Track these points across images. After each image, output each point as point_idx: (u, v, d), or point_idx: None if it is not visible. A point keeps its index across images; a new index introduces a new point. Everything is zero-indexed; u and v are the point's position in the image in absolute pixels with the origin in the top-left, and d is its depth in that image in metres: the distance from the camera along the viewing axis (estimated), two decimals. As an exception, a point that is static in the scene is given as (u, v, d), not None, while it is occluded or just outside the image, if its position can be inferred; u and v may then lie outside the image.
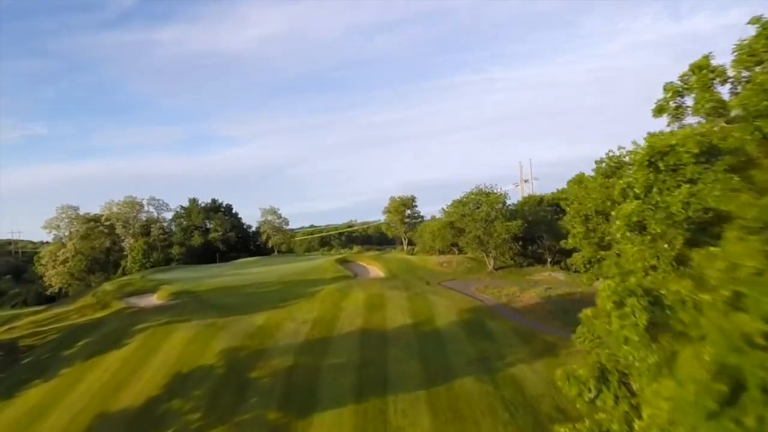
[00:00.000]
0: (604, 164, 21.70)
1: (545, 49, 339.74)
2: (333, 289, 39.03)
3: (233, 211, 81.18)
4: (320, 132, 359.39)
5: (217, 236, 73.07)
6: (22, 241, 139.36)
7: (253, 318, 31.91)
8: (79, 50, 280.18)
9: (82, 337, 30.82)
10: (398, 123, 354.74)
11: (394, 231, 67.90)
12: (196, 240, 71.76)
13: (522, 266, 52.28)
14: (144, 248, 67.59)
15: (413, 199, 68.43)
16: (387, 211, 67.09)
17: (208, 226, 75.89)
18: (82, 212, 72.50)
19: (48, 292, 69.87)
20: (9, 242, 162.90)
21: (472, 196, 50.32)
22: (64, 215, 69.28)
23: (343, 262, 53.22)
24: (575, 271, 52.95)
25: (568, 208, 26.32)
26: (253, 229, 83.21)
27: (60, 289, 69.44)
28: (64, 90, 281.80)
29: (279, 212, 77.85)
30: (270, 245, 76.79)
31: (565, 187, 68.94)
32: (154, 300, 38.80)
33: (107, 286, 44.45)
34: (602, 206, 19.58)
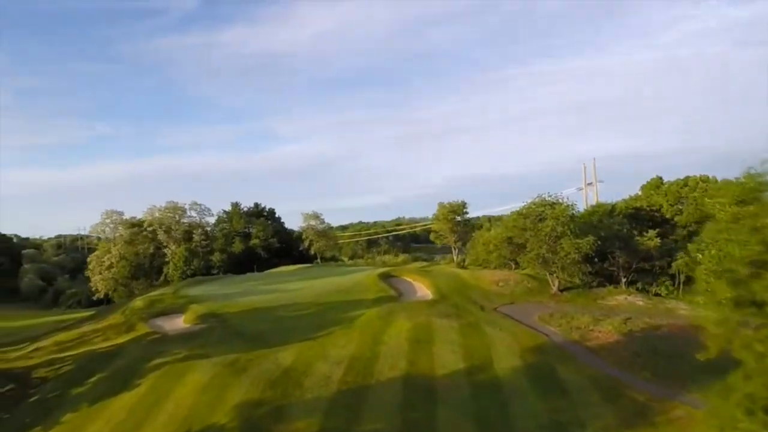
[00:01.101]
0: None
1: (600, 39, 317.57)
2: (374, 316, 34.11)
3: (276, 215, 78.74)
4: (371, 127, 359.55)
5: (258, 243, 70.61)
6: (89, 237, 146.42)
7: (280, 354, 27.55)
8: (145, 54, 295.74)
9: (96, 370, 27.88)
10: (449, 117, 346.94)
11: (443, 239, 62.08)
12: (237, 246, 69.64)
13: (591, 287, 44.91)
14: (185, 255, 66.23)
15: (464, 205, 62.40)
16: (435, 218, 61.47)
17: (250, 231, 73.70)
18: (126, 216, 72.71)
19: (94, 297, 70.52)
20: (77, 238, 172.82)
21: (534, 207, 43.50)
22: (108, 220, 69.43)
23: (387, 277, 48.22)
24: (656, 295, 45.11)
25: (699, 255, 19.40)
26: (299, 227, 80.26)
27: (106, 294, 69.80)
28: (128, 91, 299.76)
29: (322, 217, 74.41)
30: (312, 251, 73.44)
31: (639, 192, 60.75)
32: (180, 323, 35.70)
33: (138, 302, 42.14)
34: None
